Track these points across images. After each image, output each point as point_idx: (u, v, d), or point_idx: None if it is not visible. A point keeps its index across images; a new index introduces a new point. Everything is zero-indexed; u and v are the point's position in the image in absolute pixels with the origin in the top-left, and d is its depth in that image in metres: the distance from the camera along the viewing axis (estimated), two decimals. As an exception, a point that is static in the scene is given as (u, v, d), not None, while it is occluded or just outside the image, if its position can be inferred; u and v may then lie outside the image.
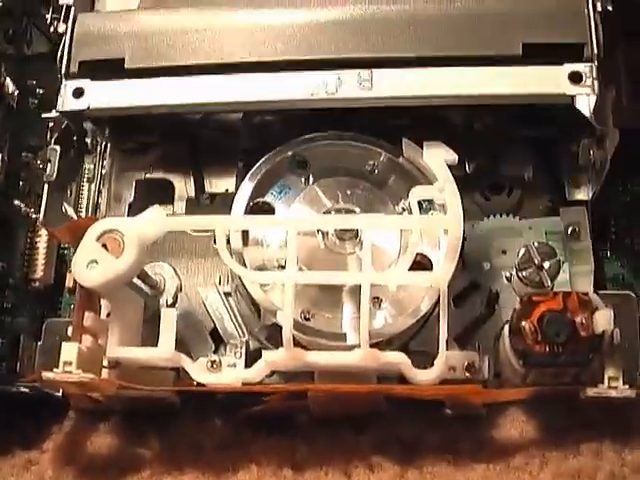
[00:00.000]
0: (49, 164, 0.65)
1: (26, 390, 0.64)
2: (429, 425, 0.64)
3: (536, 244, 0.60)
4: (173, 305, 0.65)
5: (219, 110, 0.67)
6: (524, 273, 0.60)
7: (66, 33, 0.66)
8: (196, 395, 0.62)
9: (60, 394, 0.64)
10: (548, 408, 0.64)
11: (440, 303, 0.57)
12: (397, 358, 0.57)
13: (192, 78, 0.64)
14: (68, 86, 0.65)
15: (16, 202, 0.71)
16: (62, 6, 0.68)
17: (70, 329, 0.61)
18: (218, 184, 0.70)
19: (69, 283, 0.70)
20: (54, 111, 0.66)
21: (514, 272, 0.61)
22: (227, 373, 0.61)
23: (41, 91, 0.75)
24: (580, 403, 0.60)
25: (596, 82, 0.61)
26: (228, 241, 0.61)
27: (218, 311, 0.66)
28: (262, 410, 0.62)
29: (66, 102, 0.65)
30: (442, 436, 0.64)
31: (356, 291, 0.58)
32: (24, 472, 0.65)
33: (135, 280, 0.63)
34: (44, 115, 0.67)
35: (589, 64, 0.61)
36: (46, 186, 0.66)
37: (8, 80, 0.72)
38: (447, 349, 0.57)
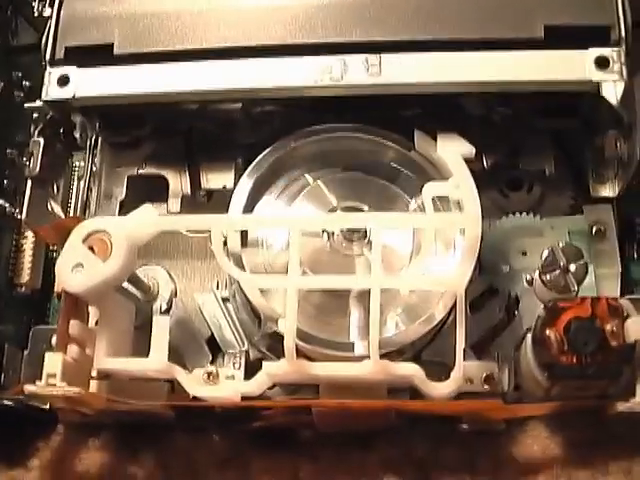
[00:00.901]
0: (32, 158, 0.62)
1: (10, 404, 0.60)
2: (444, 441, 0.61)
3: (561, 245, 0.56)
4: (167, 311, 0.62)
5: (215, 99, 0.63)
6: (548, 277, 0.56)
7: (52, 17, 0.63)
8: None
9: (47, 407, 0.60)
10: (573, 422, 0.60)
11: (457, 310, 0.53)
12: (410, 370, 0.53)
13: (186, 64, 0.60)
14: (53, 73, 0.61)
15: (0, 201, 0.67)
16: (49, -10, 0.64)
17: (55, 337, 0.56)
18: (215, 180, 0.66)
19: (58, 288, 0.65)
20: (38, 101, 0.62)
21: (536, 275, 0.57)
22: (225, 386, 0.56)
23: (27, 83, 0.71)
24: (608, 417, 0.57)
25: (624, 68, 0.57)
26: (225, 242, 0.57)
27: (215, 318, 0.62)
28: (263, 425, 0.58)
29: (50, 91, 0.61)
30: (458, 453, 0.60)
31: (365, 296, 0.54)
32: (7, 491, 0.62)
33: (125, 284, 0.59)
34: (27, 105, 0.64)
35: (616, 48, 0.57)
36: (29, 182, 0.63)
37: (-9, 72, 0.68)
38: (464, 360, 0.53)
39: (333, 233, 0.59)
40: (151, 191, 0.66)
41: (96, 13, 0.62)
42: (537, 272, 0.56)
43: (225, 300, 0.62)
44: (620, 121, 0.58)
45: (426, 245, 0.56)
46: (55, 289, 0.66)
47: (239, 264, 0.57)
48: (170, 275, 0.63)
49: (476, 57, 0.57)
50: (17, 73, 0.71)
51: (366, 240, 0.58)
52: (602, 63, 0.57)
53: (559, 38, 0.57)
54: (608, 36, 0.57)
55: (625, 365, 0.52)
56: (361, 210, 0.60)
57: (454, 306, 0.54)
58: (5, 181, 0.68)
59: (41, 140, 0.62)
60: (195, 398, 0.56)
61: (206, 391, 0.56)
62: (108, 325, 0.56)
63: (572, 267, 0.55)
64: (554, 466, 0.59)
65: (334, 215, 0.60)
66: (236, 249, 0.58)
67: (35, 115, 0.63)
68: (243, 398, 0.55)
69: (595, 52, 0.57)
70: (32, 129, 0.64)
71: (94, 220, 0.56)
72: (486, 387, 0.55)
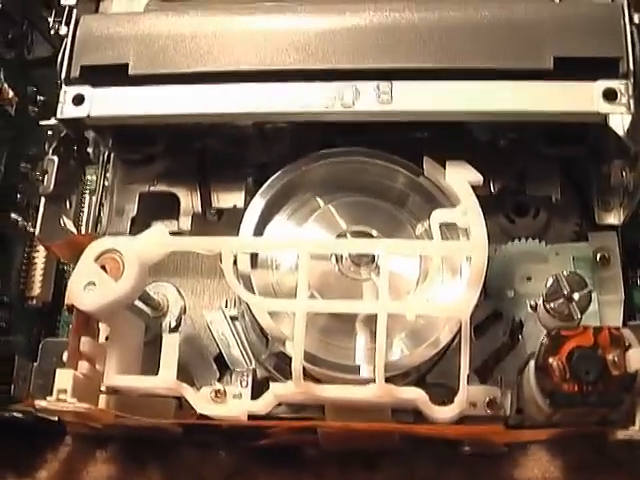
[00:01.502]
0: (46, 176, 0.63)
1: (20, 415, 0.61)
2: (446, 462, 0.62)
3: (566, 273, 0.57)
4: (176, 328, 0.62)
5: (227, 121, 0.63)
6: (552, 304, 0.56)
7: (68, 36, 0.63)
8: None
9: (56, 418, 0.60)
10: (573, 446, 0.61)
11: (462, 335, 0.54)
12: (414, 394, 0.54)
13: (199, 86, 0.60)
14: (68, 92, 0.61)
15: (13, 215, 0.68)
16: (64, 8, 0.64)
17: (66, 353, 0.57)
18: (226, 199, 0.66)
19: (68, 301, 0.66)
20: (53, 119, 0.62)
21: (541, 303, 0.57)
22: (232, 404, 0.57)
23: (42, 98, 0.71)
24: (608, 442, 0.57)
25: (632, 100, 0.57)
26: (235, 262, 0.58)
27: (224, 336, 0.63)
28: (269, 442, 0.59)
29: (65, 109, 0.61)
30: (460, 475, 0.61)
31: (371, 320, 0.55)
32: (14, 502, 0.63)
33: (136, 301, 0.59)
34: (42, 123, 0.64)
35: (624, 81, 0.58)
36: (43, 199, 0.63)
37: (7, 86, 0.68)
38: (468, 384, 0.54)
39: (342, 257, 0.59)
40: (162, 208, 0.67)
41: (112, 33, 0.62)
42: (541, 300, 0.57)
43: (233, 319, 0.63)
44: (627, 151, 0.58)
45: (433, 271, 0.57)
46: (65, 302, 0.67)
47: (248, 285, 0.58)
48: (180, 292, 0.63)
49: (486, 86, 0.58)
50: (32, 88, 0.71)
51: (374, 265, 0.59)
52: (610, 95, 0.57)
53: (568, 69, 0.57)
54: (617, 68, 0.57)
55: (626, 394, 0.53)
56: (370, 234, 0.61)
57: (459, 330, 0.55)
58: (18, 195, 0.68)
59: (55, 158, 0.63)
60: (202, 416, 0.56)
61: (213, 409, 0.56)
62: (118, 342, 0.57)
63: (576, 296, 0.56)
64: (554, 490, 0.60)
65: (343, 240, 0.60)
66: (246, 270, 0.58)
67: (49, 132, 0.64)
68: (250, 416, 0.56)
69: (603, 84, 0.57)
70: (46, 146, 0.64)
71: (106, 239, 0.57)
72: (489, 411, 0.56)
